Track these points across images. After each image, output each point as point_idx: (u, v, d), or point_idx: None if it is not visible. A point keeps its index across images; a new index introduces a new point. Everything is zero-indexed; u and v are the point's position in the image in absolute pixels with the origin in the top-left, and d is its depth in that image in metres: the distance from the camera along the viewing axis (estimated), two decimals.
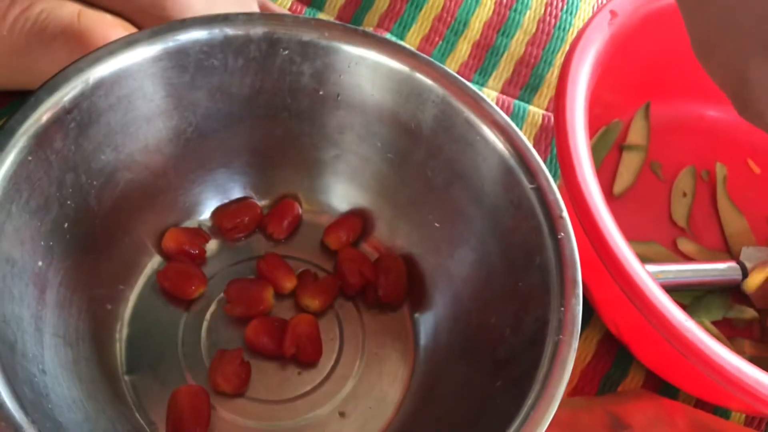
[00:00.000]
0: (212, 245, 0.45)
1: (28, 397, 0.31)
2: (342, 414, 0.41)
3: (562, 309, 0.34)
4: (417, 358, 0.43)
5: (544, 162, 0.39)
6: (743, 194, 0.56)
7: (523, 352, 0.35)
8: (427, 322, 0.43)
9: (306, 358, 0.42)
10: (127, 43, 0.37)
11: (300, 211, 0.46)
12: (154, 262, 0.44)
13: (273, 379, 0.41)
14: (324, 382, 0.42)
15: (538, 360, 0.34)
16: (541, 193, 0.37)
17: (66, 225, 0.38)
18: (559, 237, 0.36)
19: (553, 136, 0.56)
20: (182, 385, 0.40)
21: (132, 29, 0.47)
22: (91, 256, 0.40)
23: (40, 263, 0.36)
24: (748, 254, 0.51)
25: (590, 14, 0.62)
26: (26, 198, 0.35)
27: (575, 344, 0.33)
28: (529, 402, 0.32)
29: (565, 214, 0.36)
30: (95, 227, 0.40)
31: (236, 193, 0.46)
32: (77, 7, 0.46)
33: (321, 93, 0.42)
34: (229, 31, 0.39)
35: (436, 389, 0.41)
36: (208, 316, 0.43)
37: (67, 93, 0.35)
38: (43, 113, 0.35)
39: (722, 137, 0.58)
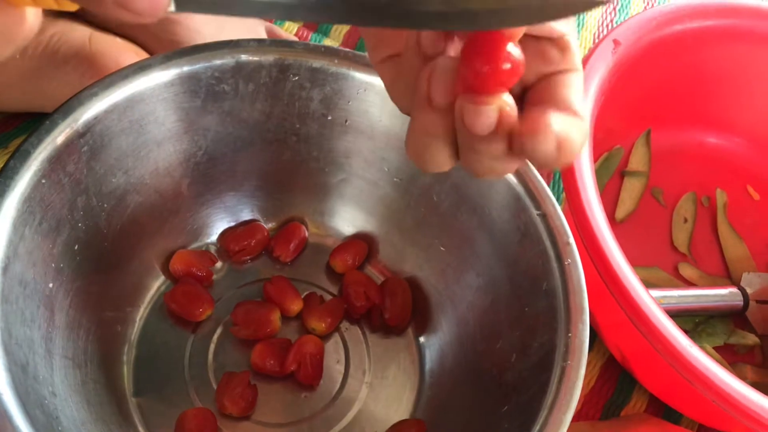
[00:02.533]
0: (219, 267, 0.45)
1: (41, 420, 0.31)
2: None
3: (569, 335, 0.34)
4: (422, 382, 0.43)
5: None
6: (743, 220, 0.57)
7: (530, 378, 0.35)
8: (432, 346, 0.44)
9: (305, 380, 0.42)
10: (140, 68, 0.38)
11: (306, 234, 0.46)
12: (162, 284, 0.44)
13: (279, 402, 0.42)
14: (329, 405, 0.42)
15: (545, 385, 0.34)
16: (548, 219, 0.38)
17: (76, 247, 0.38)
18: (566, 263, 0.36)
19: None
20: (189, 407, 0.40)
21: (142, 53, 0.48)
22: (100, 277, 0.40)
23: (50, 285, 0.36)
24: (748, 280, 0.52)
25: (591, 42, 0.63)
26: (39, 220, 0.35)
27: (582, 370, 0.34)
28: (536, 428, 0.33)
29: (572, 240, 0.37)
30: (104, 249, 0.40)
31: (244, 216, 0.46)
32: (88, 31, 0.46)
33: (329, 118, 0.42)
34: (241, 57, 0.39)
35: (442, 413, 0.41)
36: (215, 338, 0.43)
37: (81, 116, 0.36)
38: (57, 136, 0.35)
39: (722, 164, 0.59)
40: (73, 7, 0.22)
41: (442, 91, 0.24)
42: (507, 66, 0.23)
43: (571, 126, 0.23)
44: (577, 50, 0.25)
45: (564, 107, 0.24)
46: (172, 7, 0.21)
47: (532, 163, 0.24)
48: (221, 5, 0.22)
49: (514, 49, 0.23)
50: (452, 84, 0.24)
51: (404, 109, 0.27)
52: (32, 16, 0.22)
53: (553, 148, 0.23)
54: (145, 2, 0.20)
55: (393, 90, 0.27)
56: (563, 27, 0.24)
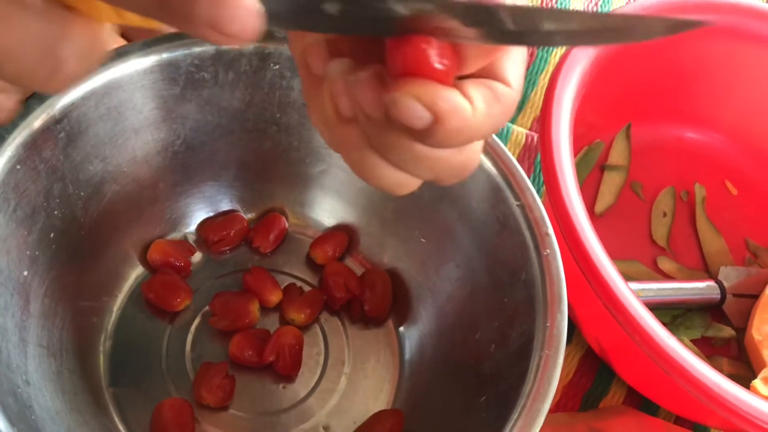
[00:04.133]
0: (198, 258, 0.45)
1: (13, 409, 0.31)
2: (326, 428, 0.41)
3: (548, 325, 0.35)
4: (402, 373, 0.43)
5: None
6: (721, 215, 0.57)
7: (509, 368, 0.36)
8: (412, 337, 0.44)
9: (284, 371, 0.41)
10: (118, 54, 0.37)
11: (286, 224, 0.46)
12: (140, 273, 0.44)
13: (257, 392, 0.41)
14: (308, 396, 0.42)
15: (523, 375, 0.34)
16: (527, 210, 0.38)
17: (52, 235, 0.37)
18: (545, 254, 0.36)
19: (537, 155, 0.56)
20: (166, 397, 0.40)
21: (121, 41, 0.47)
22: (76, 266, 0.40)
23: (25, 273, 0.36)
24: (726, 273, 0.52)
25: None
26: (14, 207, 0.34)
27: (560, 360, 0.34)
28: (514, 417, 0.33)
29: (551, 231, 0.37)
30: (81, 238, 0.39)
31: (223, 206, 0.46)
32: None
33: None
34: (221, 45, 0.39)
35: (421, 403, 0.41)
36: (192, 328, 0.43)
37: (58, 102, 0.35)
38: (32, 122, 0.35)
39: (701, 159, 0.59)
40: (157, 25, 0.21)
41: (346, 99, 0.23)
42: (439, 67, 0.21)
43: (456, 95, 0.22)
44: None
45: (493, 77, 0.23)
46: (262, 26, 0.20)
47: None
48: (308, 23, 0.21)
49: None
50: (352, 95, 0.22)
51: (327, 141, 0.25)
52: (108, 35, 0.21)
53: (418, 110, 0.21)
54: (238, 24, 0.19)
55: (312, 119, 0.26)
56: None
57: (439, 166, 0.23)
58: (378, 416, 0.40)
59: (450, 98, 0.21)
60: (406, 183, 0.24)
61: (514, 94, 0.23)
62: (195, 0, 0.19)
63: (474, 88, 0.22)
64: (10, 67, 0.20)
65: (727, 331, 0.51)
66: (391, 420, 0.40)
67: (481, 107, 0.22)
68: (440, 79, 0.21)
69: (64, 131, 0.36)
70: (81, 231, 0.39)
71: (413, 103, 0.21)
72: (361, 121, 0.23)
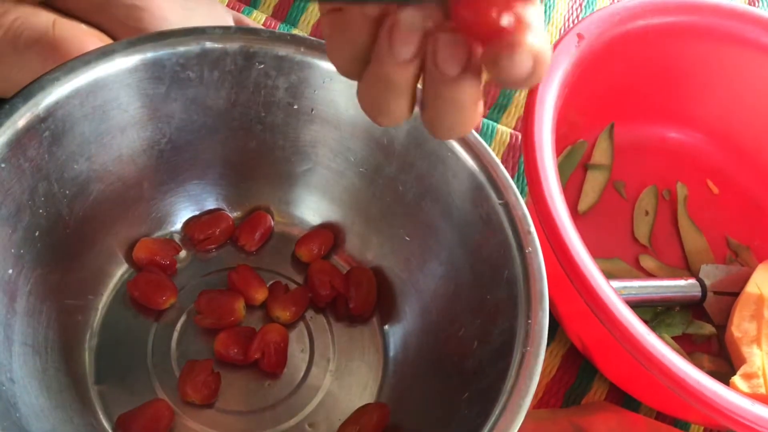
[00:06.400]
0: (183, 256, 0.45)
1: None
2: (311, 425, 0.41)
3: (529, 321, 0.35)
4: (386, 370, 0.43)
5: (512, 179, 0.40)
6: (702, 213, 0.58)
7: (491, 364, 0.36)
8: (396, 335, 0.44)
9: (269, 368, 0.42)
10: (103, 53, 0.37)
11: (272, 223, 0.47)
12: (125, 272, 0.44)
13: (242, 390, 0.42)
14: (293, 393, 0.42)
15: (505, 371, 0.34)
16: (510, 208, 0.38)
17: (37, 233, 0.37)
18: (527, 251, 0.37)
19: (521, 154, 0.57)
20: (151, 395, 0.40)
21: (107, 40, 0.47)
22: (61, 265, 0.40)
23: (10, 271, 0.36)
24: (707, 271, 0.53)
25: (557, 37, 0.64)
26: None
27: (542, 356, 0.34)
28: (496, 412, 0.33)
29: (533, 229, 0.37)
30: (66, 236, 0.40)
31: (208, 205, 0.46)
32: (52, 17, 0.45)
33: (295, 107, 0.42)
34: (206, 44, 0.39)
35: (405, 400, 0.41)
36: (178, 326, 0.43)
37: (42, 101, 0.36)
38: (17, 120, 0.35)
39: (683, 158, 0.60)
40: None
41: (409, 44, 0.24)
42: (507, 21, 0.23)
43: (544, 42, 0.24)
44: None
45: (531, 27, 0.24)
46: None
47: (505, 83, 0.24)
48: None
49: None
50: (418, 38, 0.24)
51: (341, 68, 0.27)
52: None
53: (530, 64, 0.23)
54: None
55: (331, 43, 0.27)
56: None
57: (467, 111, 0.25)
58: (365, 409, 0.41)
59: (544, 42, 0.23)
60: (407, 118, 0.27)
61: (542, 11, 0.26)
62: None
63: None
64: None
65: (708, 329, 0.52)
66: (377, 413, 0.40)
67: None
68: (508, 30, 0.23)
69: (49, 130, 0.36)
70: (66, 229, 0.39)
71: (525, 58, 0.23)
72: (429, 70, 0.25)
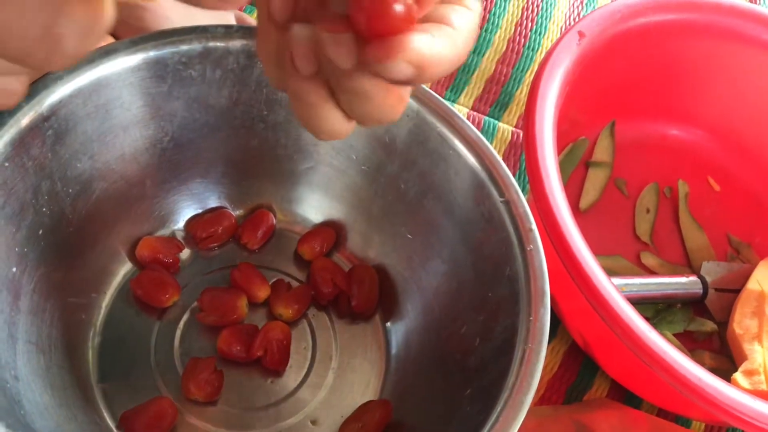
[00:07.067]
0: (186, 254, 0.45)
1: (2, 404, 0.31)
2: (314, 422, 0.41)
3: (531, 318, 0.35)
4: (388, 367, 0.43)
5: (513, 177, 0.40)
6: (703, 211, 0.58)
7: (493, 361, 0.36)
8: (398, 332, 0.44)
9: (272, 365, 0.42)
10: (106, 52, 0.38)
11: (274, 221, 0.47)
12: (128, 270, 0.44)
13: (245, 387, 0.42)
14: (296, 390, 0.42)
15: (506, 368, 0.34)
16: (511, 206, 0.38)
17: (41, 232, 0.38)
18: (528, 249, 0.37)
19: (522, 152, 0.57)
20: (155, 393, 0.40)
21: (109, 38, 0.47)
22: (64, 263, 0.40)
23: (14, 269, 0.36)
24: (708, 269, 0.53)
25: (558, 35, 0.64)
26: (2, 204, 0.35)
27: (543, 353, 0.34)
28: (497, 409, 0.33)
29: (534, 226, 0.37)
30: (69, 235, 0.40)
31: (211, 203, 0.46)
32: None
33: None
34: (209, 42, 0.39)
35: (407, 397, 0.41)
36: (181, 324, 0.43)
37: (45, 100, 0.36)
38: (20, 119, 0.35)
39: (684, 156, 0.60)
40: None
41: (309, 57, 0.24)
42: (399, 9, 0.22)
43: (441, 45, 0.23)
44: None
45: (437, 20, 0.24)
46: None
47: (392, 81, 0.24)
48: None
49: None
50: (314, 51, 0.24)
51: (273, 83, 0.27)
52: (111, 7, 0.21)
53: (410, 71, 0.23)
54: None
55: (261, 60, 0.27)
56: None
57: (384, 107, 0.25)
58: (367, 406, 0.41)
59: (431, 46, 0.23)
60: (344, 130, 0.26)
61: (476, 15, 0.25)
62: None
63: (435, 28, 0.24)
64: (12, 45, 0.20)
65: (709, 326, 0.52)
66: (380, 410, 0.40)
67: (446, 44, 0.24)
68: (407, 23, 0.22)
69: (52, 129, 0.36)
70: (69, 228, 0.40)
71: (403, 65, 0.22)
72: (325, 72, 0.24)
